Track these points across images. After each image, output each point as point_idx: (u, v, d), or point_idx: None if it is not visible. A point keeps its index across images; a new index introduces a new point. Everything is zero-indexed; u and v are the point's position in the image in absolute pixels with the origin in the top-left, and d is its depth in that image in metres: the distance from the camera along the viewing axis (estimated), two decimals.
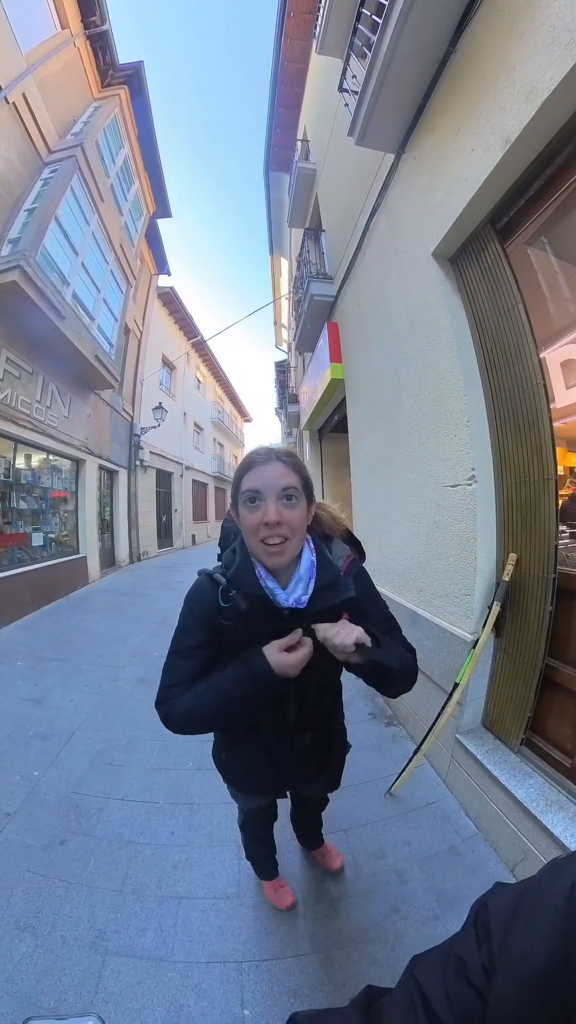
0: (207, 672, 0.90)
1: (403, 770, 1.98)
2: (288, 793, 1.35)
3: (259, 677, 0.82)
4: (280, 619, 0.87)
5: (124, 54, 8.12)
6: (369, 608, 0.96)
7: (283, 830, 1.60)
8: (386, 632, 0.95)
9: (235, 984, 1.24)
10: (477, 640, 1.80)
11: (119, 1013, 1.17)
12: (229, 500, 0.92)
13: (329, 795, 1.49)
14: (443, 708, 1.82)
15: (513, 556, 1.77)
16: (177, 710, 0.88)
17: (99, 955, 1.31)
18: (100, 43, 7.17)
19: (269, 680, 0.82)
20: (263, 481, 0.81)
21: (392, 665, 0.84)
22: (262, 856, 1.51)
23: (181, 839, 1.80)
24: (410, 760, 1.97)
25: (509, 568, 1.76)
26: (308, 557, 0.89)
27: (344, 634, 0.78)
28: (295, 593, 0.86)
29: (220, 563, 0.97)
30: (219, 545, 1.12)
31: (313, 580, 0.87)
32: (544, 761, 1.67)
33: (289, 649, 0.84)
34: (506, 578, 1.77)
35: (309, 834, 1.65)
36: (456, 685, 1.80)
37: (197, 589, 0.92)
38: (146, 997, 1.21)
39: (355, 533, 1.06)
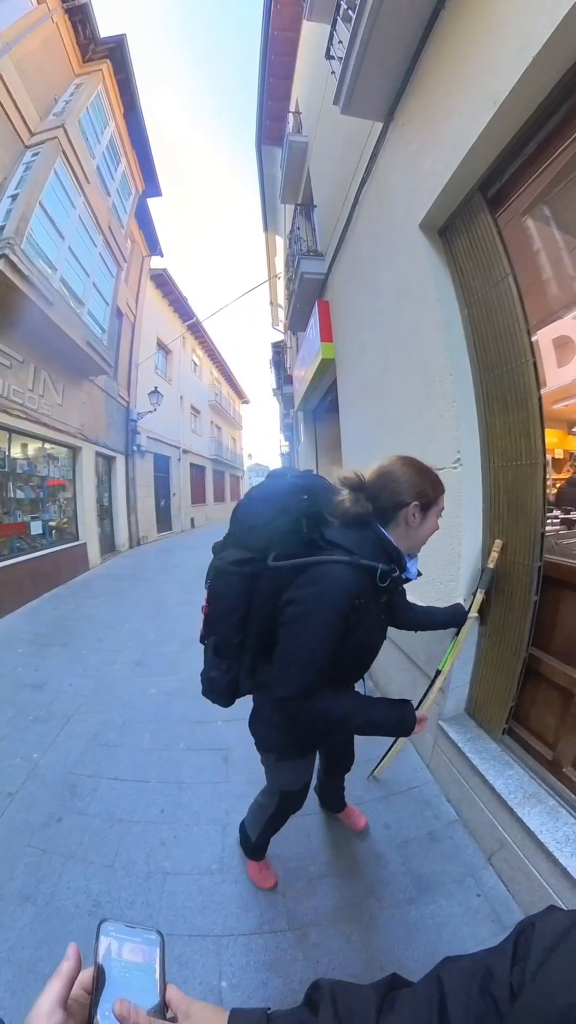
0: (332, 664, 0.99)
1: (385, 754, 2.01)
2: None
3: (402, 729, 1.04)
4: (382, 591, 1.03)
5: (105, 27, 7.62)
6: None
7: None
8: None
9: (214, 956, 1.30)
10: (460, 627, 1.80)
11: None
12: (416, 501, 1.04)
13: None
14: (425, 694, 1.81)
15: (499, 543, 1.75)
16: (330, 711, 0.98)
17: (94, 924, 1.37)
18: (79, 16, 6.81)
19: (408, 732, 1.05)
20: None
21: None
22: (271, 838, 1.53)
23: (169, 817, 1.87)
24: (391, 745, 1.99)
25: (494, 555, 1.74)
26: None
27: None
28: (413, 571, 1.11)
29: (345, 551, 0.98)
30: (263, 528, 1.08)
31: (416, 560, 1.14)
32: (525, 751, 1.67)
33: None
34: (491, 565, 1.75)
35: (336, 798, 1.78)
36: (439, 672, 1.80)
37: (342, 580, 0.96)
38: None
39: None
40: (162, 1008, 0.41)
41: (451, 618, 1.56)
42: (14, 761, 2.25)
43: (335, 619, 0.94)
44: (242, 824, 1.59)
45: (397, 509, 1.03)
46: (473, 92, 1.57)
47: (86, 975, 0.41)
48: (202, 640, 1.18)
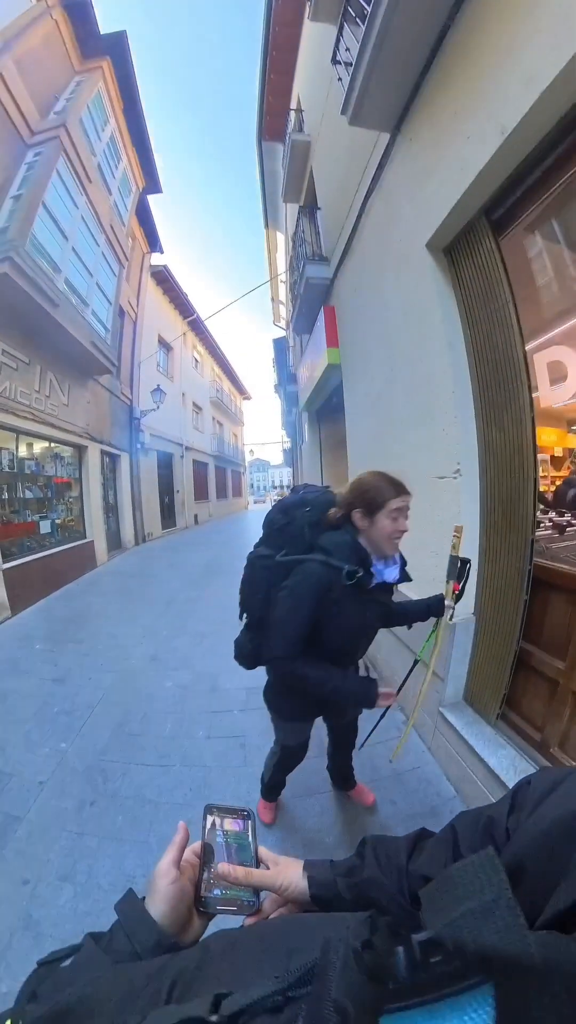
0: (311, 632, 1.26)
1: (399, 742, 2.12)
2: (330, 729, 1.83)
3: (366, 700, 1.26)
4: (363, 589, 1.25)
5: (105, 23, 7.63)
6: None
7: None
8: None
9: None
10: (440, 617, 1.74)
11: None
12: (359, 507, 1.25)
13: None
14: (404, 680, 1.89)
15: (459, 527, 1.72)
16: (307, 675, 1.26)
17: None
18: (79, 12, 6.77)
19: (371, 703, 1.25)
20: (405, 504, 1.24)
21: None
22: (277, 786, 1.87)
23: (199, 796, 2.05)
24: (406, 730, 2.07)
25: (455, 541, 1.72)
26: (398, 551, 1.34)
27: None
28: (392, 575, 1.32)
29: (322, 552, 1.25)
30: (279, 531, 1.38)
31: (397, 565, 1.34)
32: (517, 734, 1.86)
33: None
34: (453, 553, 1.70)
35: (346, 777, 1.98)
36: (417, 661, 1.88)
37: (314, 574, 1.23)
38: None
39: None
40: (255, 862, 0.56)
41: (427, 608, 1.60)
42: (43, 751, 2.40)
43: (306, 604, 1.22)
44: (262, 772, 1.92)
45: (350, 517, 1.26)
46: (481, 118, 1.61)
47: (197, 845, 0.56)
48: (240, 616, 1.49)
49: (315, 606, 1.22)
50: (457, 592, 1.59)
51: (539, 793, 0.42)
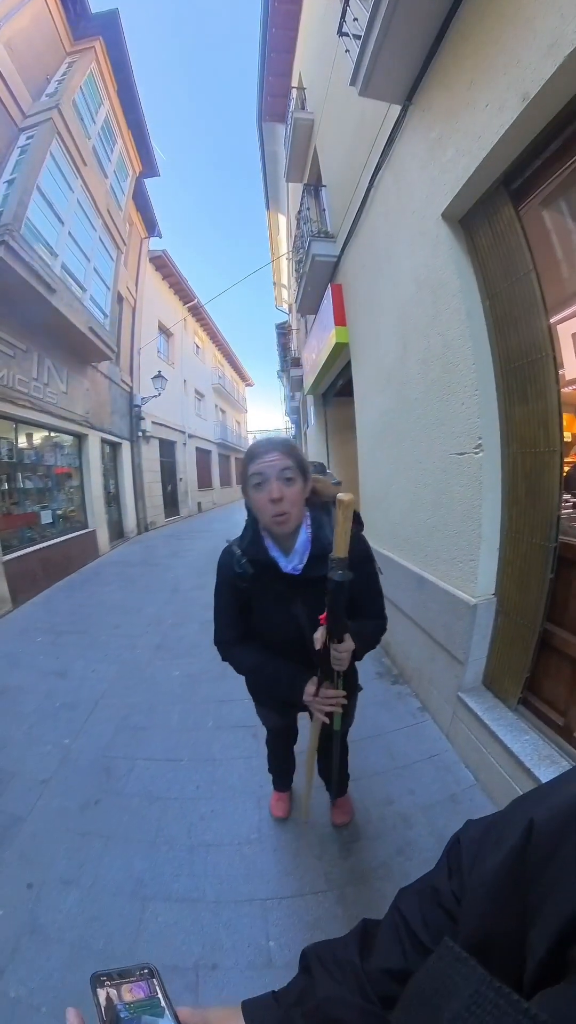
0: (245, 617, 1.19)
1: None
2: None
3: (290, 694, 1.14)
4: (285, 581, 1.09)
5: (96, 1, 7.25)
6: (356, 579, 0.98)
7: None
8: (364, 592, 1.15)
9: (260, 920, 1.40)
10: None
11: (161, 949, 1.33)
12: (241, 482, 1.07)
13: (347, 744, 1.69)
14: (337, 684, 1.15)
15: (346, 497, 1.18)
16: (241, 663, 1.22)
17: (139, 900, 1.48)
18: None
19: (297, 700, 1.12)
20: (266, 466, 0.98)
21: (360, 653, 1.13)
22: (277, 770, 1.80)
23: (206, 792, 1.97)
24: (305, 802, 1.63)
25: (339, 519, 1.12)
26: (304, 533, 1.08)
27: (342, 662, 1.02)
28: (292, 563, 1.08)
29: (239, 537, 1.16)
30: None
31: (307, 552, 1.07)
32: (539, 719, 1.77)
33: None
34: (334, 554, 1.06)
35: (327, 782, 1.64)
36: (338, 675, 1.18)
37: (223, 556, 1.16)
38: (184, 934, 1.37)
39: (361, 499, 1.24)
40: None
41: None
42: (45, 748, 2.32)
43: (222, 592, 1.18)
44: None
45: None
46: (500, 85, 1.52)
47: None
48: None
49: (230, 593, 1.15)
50: (325, 625, 0.96)
51: (472, 850, 0.42)
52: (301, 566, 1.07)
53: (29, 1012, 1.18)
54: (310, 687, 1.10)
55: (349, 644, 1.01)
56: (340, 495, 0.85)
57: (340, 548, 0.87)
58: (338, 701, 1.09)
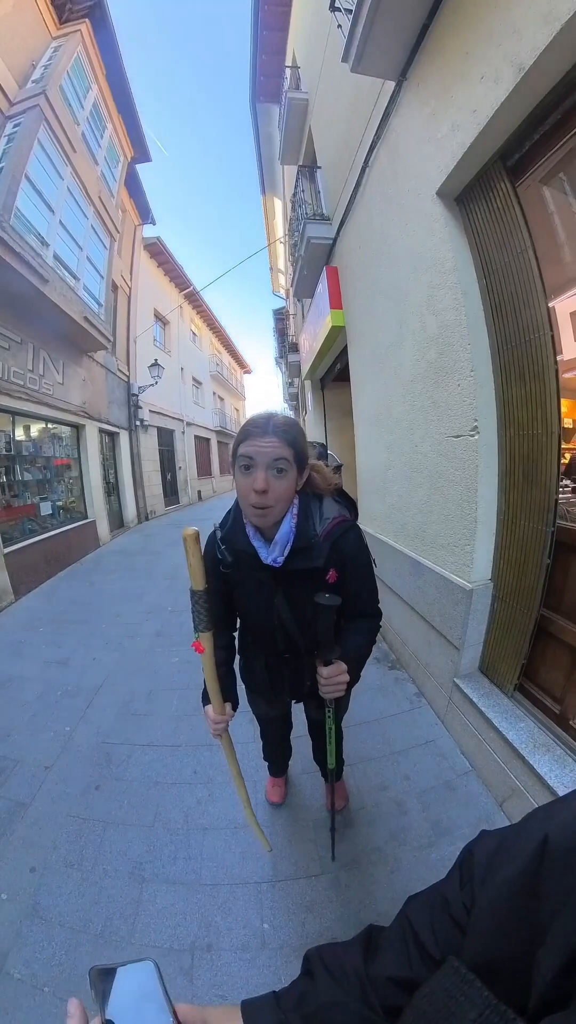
0: (228, 603, 1.16)
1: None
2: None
3: (204, 701, 1.16)
4: (268, 571, 1.02)
5: None
6: (349, 574, 1.06)
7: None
8: (359, 589, 1.09)
9: (255, 902, 1.43)
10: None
11: (159, 931, 1.35)
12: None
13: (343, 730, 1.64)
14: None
15: (191, 531, 1.00)
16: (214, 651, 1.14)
17: (137, 883, 1.51)
18: None
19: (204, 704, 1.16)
20: (257, 451, 0.87)
21: (356, 674, 1.10)
22: (272, 758, 1.79)
23: (203, 777, 2.00)
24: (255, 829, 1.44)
25: (188, 557, 1.06)
26: (288, 523, 0.98)
27: (332, 691, 0.99)
28: (272, 554, 0.99)
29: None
30: None
31: (289, 545, 0.98)
32: (535, 706, 1.77)
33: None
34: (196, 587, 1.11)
35: (321, 762, 1.63)
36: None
37: (207, 540, 1.09)
38: (180, 916, 1.40)
39: (358, 485, 1.17)
40: None
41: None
42: (47, 736, 2.35)
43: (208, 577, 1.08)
44: None
45: None
46: (496, 57, 1.45)
47: None
48: None
49: (213, 577, 1.05)
50: (197, 651, 1.04)
51: (484, 862, 0.42)
52: (282, 558, 0.99)
53: (33, 992, 1.21)
54: (210, 711, 1.13)
55: (345, 676, 0.99)
56: (184, 530, 0.90)
57: (196, 580, 0.94)
58: (342, 678, 0.98)
